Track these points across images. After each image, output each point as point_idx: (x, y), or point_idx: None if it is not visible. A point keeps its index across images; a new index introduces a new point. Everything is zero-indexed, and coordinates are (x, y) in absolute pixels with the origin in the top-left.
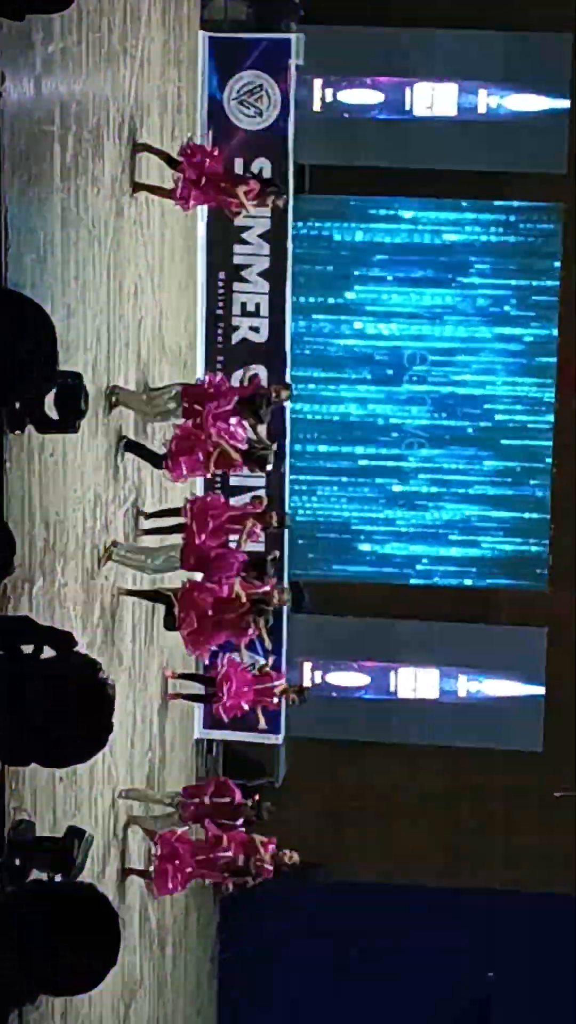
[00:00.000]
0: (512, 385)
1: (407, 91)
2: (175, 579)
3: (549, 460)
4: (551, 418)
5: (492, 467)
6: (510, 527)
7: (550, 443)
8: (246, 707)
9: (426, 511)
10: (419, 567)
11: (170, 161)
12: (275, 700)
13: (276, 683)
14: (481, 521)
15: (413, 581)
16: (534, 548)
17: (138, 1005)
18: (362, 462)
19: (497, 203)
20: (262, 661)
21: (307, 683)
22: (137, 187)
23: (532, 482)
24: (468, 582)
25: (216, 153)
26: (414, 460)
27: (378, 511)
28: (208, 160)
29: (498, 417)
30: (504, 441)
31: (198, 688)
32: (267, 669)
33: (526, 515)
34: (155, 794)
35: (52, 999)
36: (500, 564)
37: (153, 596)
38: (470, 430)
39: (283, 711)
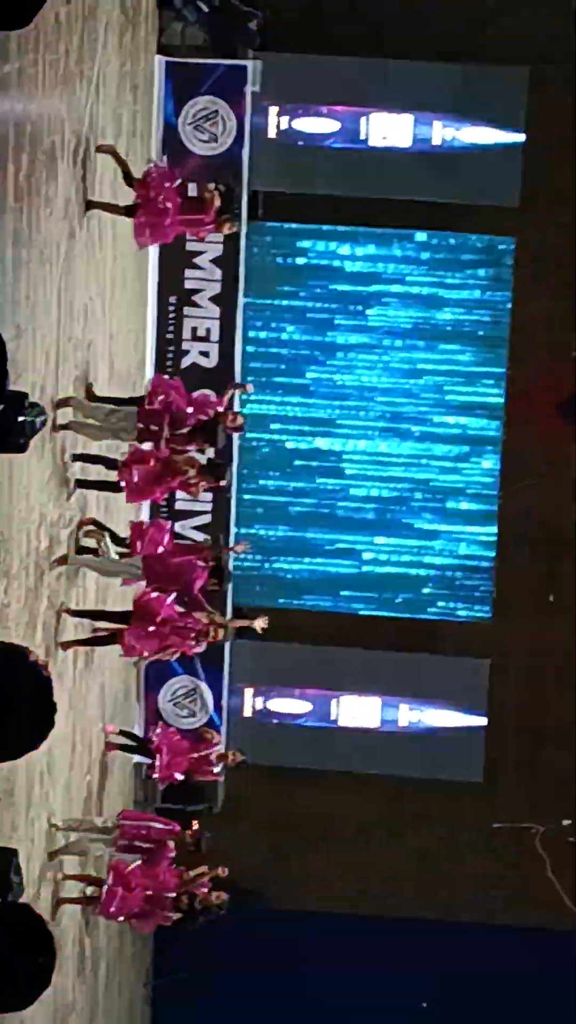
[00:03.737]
0: (460, 419)
1: (363, 121)
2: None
3: (496, 495)
4: (499, 453)
5: (439, 499)
6: (456, 559)
7: (497, 478)
8: (179, 777)
9: (371, 542)
10: (363, 596)
11: (127, 178)
12: (214, 769)
13: (212, 750)
14: (427, 553)
15: (357, 610)
16: (480, 579)
17: None
18: (309, 491)
19: (450, 235)
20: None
21: (247, 710)
22: (90, 205)
23: (479, 515)
24: (412, 612)
25: (174, 188)
26: (360, 492)
27: (323, 541)
28: (167, 198)
29: (445, 451)
30: (451, 475)
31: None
32: (204, 732)
33: (472, 548)
34: (93, 821)
35: None
36: (444, 595)
37: (100, 614)
38: (417, 463)
39: (223, 734)
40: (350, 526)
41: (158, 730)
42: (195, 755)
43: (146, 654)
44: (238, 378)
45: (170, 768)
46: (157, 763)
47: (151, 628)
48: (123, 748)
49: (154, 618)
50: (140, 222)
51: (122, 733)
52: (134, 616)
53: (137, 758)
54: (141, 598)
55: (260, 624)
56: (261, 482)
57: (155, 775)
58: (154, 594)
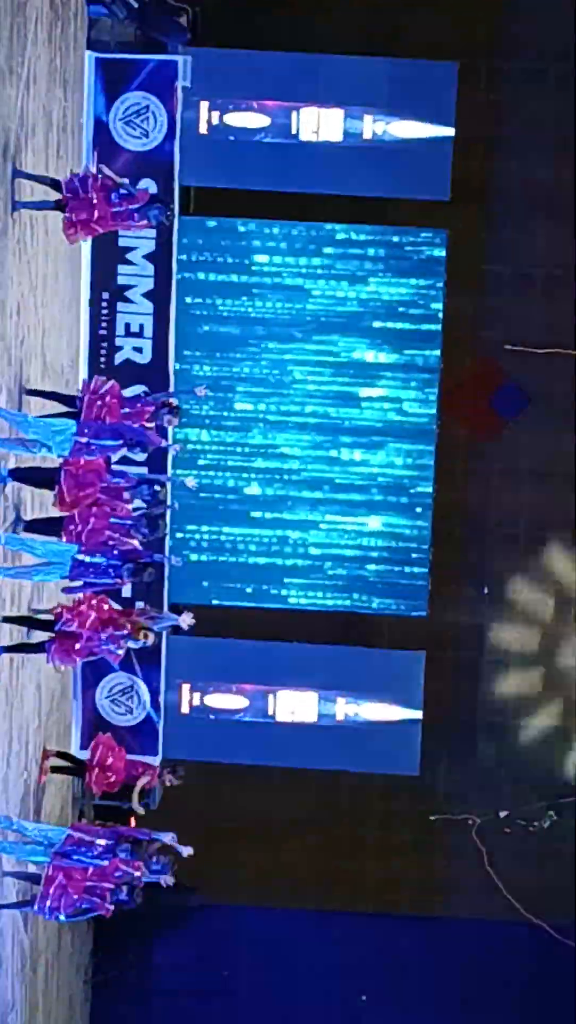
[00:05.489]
0: (395, 411)
1: (293, 115)
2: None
3: (430, 487)
4: (433, 444)
5: (373, 493)
6: (391, 552)
7: (431, 470)
8: (114, 780)
9: (310, 537)
10: (298, 591)
11: (54, 184)
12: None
13: (144, 777)
14: (362, 546)
15: (292, 604)
16: (414, 573)
17: None
18: (243, 486)
19: (381, 228)
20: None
21: (184, 706)
22: (17, 205)
23: (414, 508)
24: (348, 606)
25: (100, 191)
26: (296, 485)
27: (258, 535)
28: (96, 199)
29: (379, 441)
30: (386, 468)
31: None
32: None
33: (407, 541)
34: (30, 826)
35: None
36: (380, 589)
37: (31, 623)
38: (351, 454)
39: (160, 730)
40: (286, 521)
41: (97, 753)
42: (130, 775)
43: (75, 663)
44: (171, 373)
45: (107, 785)
46: (92, 779)
47: (76, 645)
48: (58, 770)
49: (77, 639)
50: (69, 218)
51: (60, 755)
52: (57, 636)
53: (75, 754)
54: (64, 624)
55: (186, 620)
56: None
57: (93, 788)
58: (79, 610)
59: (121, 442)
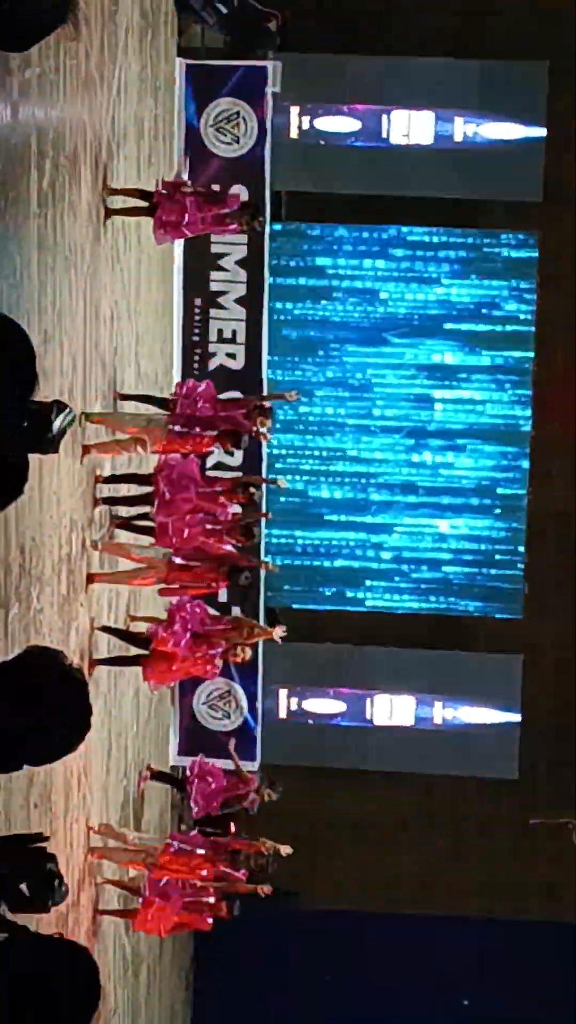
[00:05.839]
0: (487, 413)
1: (384, 119)
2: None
3: (522, 489)
4: (526, 447)
5: (467, 495)
6: (486, 555)
7: (523, 472)
8: (215, 788)
9: (402, 540)
10: (395, 595)
11: (143, 195)
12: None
13: (247, 793)
14: (457, 549)
15: (388, 608)
16: (506, 575)
17: None
18: (338, 491)
19: (473, 231)
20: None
21: (282, 711)
22: (110, 213)
23: (508, 510)
24: (444, 609)
25: (191, 196)
26: (390, 490)
27: (354, 540)
28: (188, 203)
29: (473, 444)
30: (480, 469)
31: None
32: (243, 775)
33: (496, 544)
34: (130, 834)
35: None
36: (476, 592)
37: (127, 636)
38: (445, 457)
39: (258, 736)
40: (381, 526)
41: (196, 768)
42: (229, 794)
43: (169, 685)
44: (265, 378)
45: (207, 800)
46: (193, 796)
47: (172, 667)
48: (158, 777)
49: (171, 660)
50: (159, 218)
51: (158, 774)
52: (153, 656)
53: (172, 760)
54: (158, 645)
55: (278, 633)
56: (288, 488)
57: (193, 813)
58: (173, 630)
59: (215, 433)
